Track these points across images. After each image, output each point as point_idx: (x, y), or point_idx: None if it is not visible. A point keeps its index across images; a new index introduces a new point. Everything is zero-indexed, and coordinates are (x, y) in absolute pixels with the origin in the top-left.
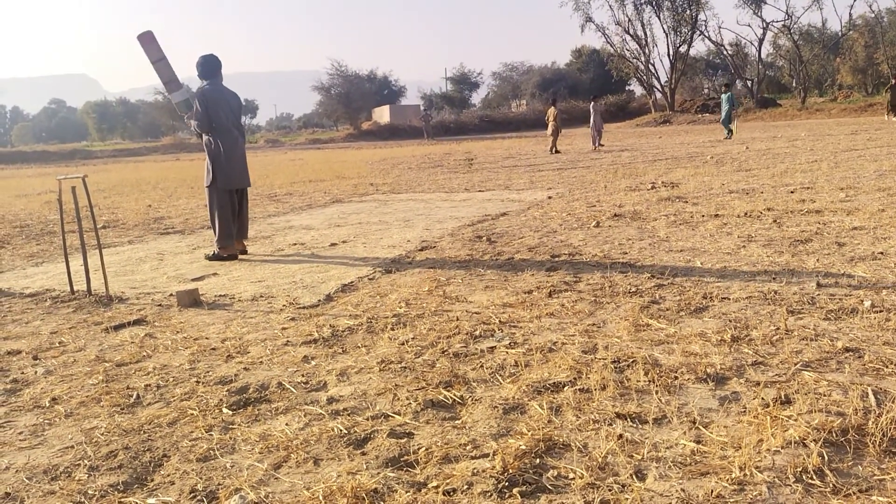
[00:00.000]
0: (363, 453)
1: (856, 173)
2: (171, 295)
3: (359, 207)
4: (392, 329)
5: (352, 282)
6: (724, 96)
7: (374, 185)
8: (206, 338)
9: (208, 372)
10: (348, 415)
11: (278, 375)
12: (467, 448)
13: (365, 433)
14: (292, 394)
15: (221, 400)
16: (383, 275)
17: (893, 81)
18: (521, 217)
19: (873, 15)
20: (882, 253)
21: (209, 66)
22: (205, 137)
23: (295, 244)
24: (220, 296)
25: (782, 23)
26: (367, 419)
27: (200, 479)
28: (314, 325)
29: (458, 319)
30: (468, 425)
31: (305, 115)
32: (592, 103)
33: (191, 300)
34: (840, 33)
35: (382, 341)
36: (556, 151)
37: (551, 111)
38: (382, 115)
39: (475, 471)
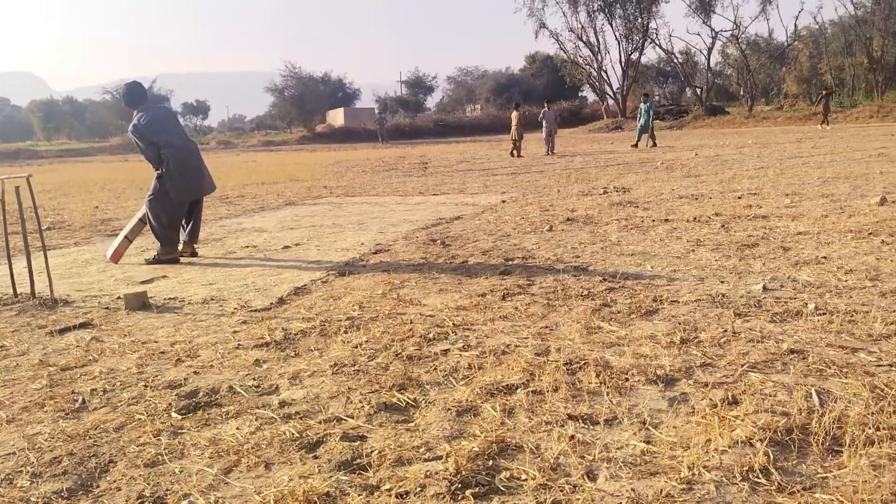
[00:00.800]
0: (315, 457)
1: (800, 180)
2: (119, 298)
3: (312, 210)
4: (345, 332)
5: (305, 285)
6: (643, 106)
7: (327, 188)
8: (155, 341)
9: (157, 376)
10: (300, 418)
11: (229, 379)
12: (420, 450)
13: (317, 437)
14: (243, 397)
15: (170, 404)
16: (337, 278)
17: (825, 92)
18: (475, 221)
19: (817, 26)
20: (825, 257)
21: (133, 95)
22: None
23: (247, 247)
24: (170, 299)
25: (730, 32)
26: (320, 422)
27: (148, 484)
28: (266, 328)
29: (411, 322)
30: (421, 428)
31: (258, 117)
32: (546, 109)
33: (139, 303)
34: (786, 43)
35: (335, 344)
36: (519, 155)
37: (514, 115)
38: (337, 117)
39: (428, 473)
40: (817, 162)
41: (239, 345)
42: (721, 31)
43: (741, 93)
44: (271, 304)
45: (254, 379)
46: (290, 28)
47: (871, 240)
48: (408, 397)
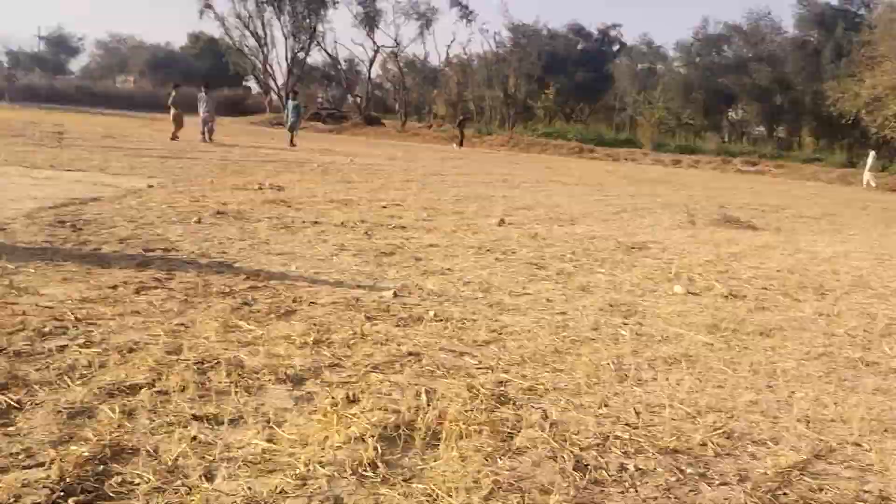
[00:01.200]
0: None
1: (438, 196)
2: None
3: None
4: None
5: None
6: (290, 103)
7: None
8: None
9: None
10: None
11: None
12: (19, 457)
13: None
14: None
15: None
16: None
17: (462, 117)
18: (115, 205)
19: (466, 57)
20: (449, 269)
21: None
22: None
23: None
24: None
25: (391, 49)
26: None
27: None
28: None
29: (24, 314)
30: (24, 432)
31: None
32: (204, 91)
33: None
34: (439, 68)
35: None
36: (175, 139)
37: (174, 95)
38: None
39: (26, 482)
40: (454, 181)
41: None
42: (383, 46)
43: (397, 107)
44: None
45: None
46: None
47: (488, 255)
48: (10, 398)
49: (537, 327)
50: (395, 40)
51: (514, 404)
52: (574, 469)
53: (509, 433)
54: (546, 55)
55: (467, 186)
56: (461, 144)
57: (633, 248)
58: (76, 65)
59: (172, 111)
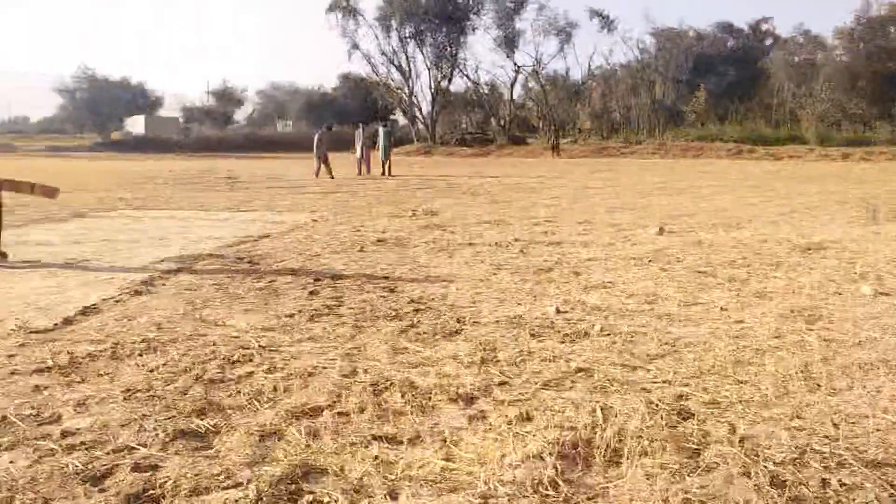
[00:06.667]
0: (101, 490)
1: (591, 209)
2: None
3: (105, 223)
4: (140, 355)
5: (94, 304)
6: (381, 130)
7: (123, 200)
8: None
9: None
10: (86, 449)
11: (3, 408)
12: (220, 478)
13: (104, 468)
14: (19, 428)
15: None
16: (132, 296)
17: (554, 127)
18: (284, 239)
19: (609, 67)
20: (611, 282)
21: None
22: None
23: (27, 262)
24: None
25: (532, 68)
26: (108, 453)
27: None
28: (48, 350)
29: (214, 344)
30: (221, 454)
31: (46, 119)
32: (359, 129)
33: None
34: (581, 81)
35: (128, 368)
36: (331, 176)
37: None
38: (136, 125)
39: (227, 501)
40: (606, 193)
41: (15, 370)
42: (523, 66)
43: (540, 125)
44: (55, 324)
45: (32, 407)
46: (83, 26)
47: (650, 266)
48: (208, 423)
49: (713, 338)
50: (536, 59)
51: (697, 418)
52: (771, 485)
53: (695, 449)
54: (693, 57)
55: (620, 197)
56: (557, 154)
57: (809, 249)
58: (241, 114)
59: (321, 152)
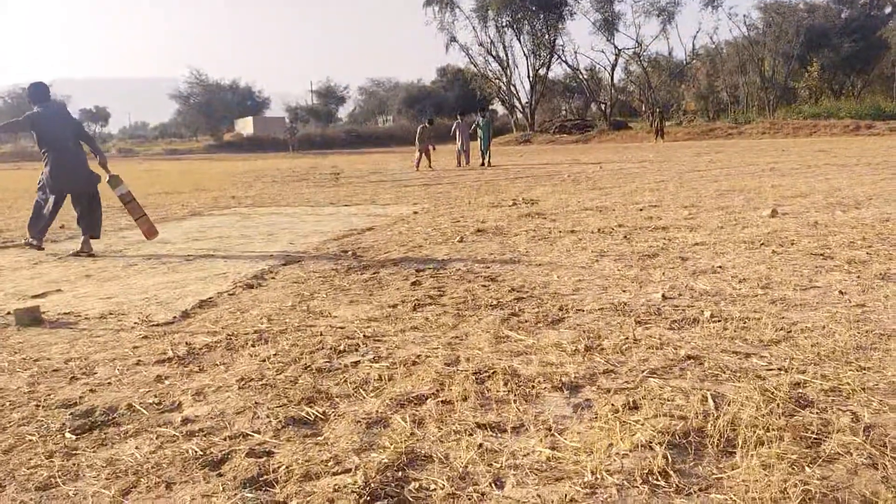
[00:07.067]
0: (219, 474)
1: (697, 193)
2: (9, 313)
3: (219, 221)
4: (253, 346)
5: (210, 297)
6: (480, 120)
7: (235, 199)
8: (48, 358)
9: (49, 395)
10: (204, 435)
11: (128, 397)
12: (329, 464)
13: (222, 454)
14: (143, 415)
15: (64, 424)
16: (244, 290)
17: (658, 111)
18: (386, 232)
19: (714, 46)
20: (720, 267)
21: (37, 93)
22: (42, 152)
23: (149, 258)
24: (65, 314)
25: (633, 50)
26: (224, 439)
27: None
28: (169, 342)
29: (321, 335)
30: (330, 441)
31: (162, 125)
32: (458, 121)
33: (31, 318)
34: (685, 62)
35: (242, 358)
36: (431, 168)
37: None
38: (245, 126)
39: (337, 487)
40: (713, 176)
41: (139, 361)
42: (624, 48)
43: (643, 108)
44: (174, 317)
45: (155, 396)
46: (196, 33)
47: (763, 250)
48: (317, 410)
49: (832, 322)
50: (637, 41)
51: (816, 407)
52: None
53: (815, 439)
54: (805, 30)
55: (729, 179)
56: (662, 137)
57: None
58: (343, 111)
59: (422, 144)
